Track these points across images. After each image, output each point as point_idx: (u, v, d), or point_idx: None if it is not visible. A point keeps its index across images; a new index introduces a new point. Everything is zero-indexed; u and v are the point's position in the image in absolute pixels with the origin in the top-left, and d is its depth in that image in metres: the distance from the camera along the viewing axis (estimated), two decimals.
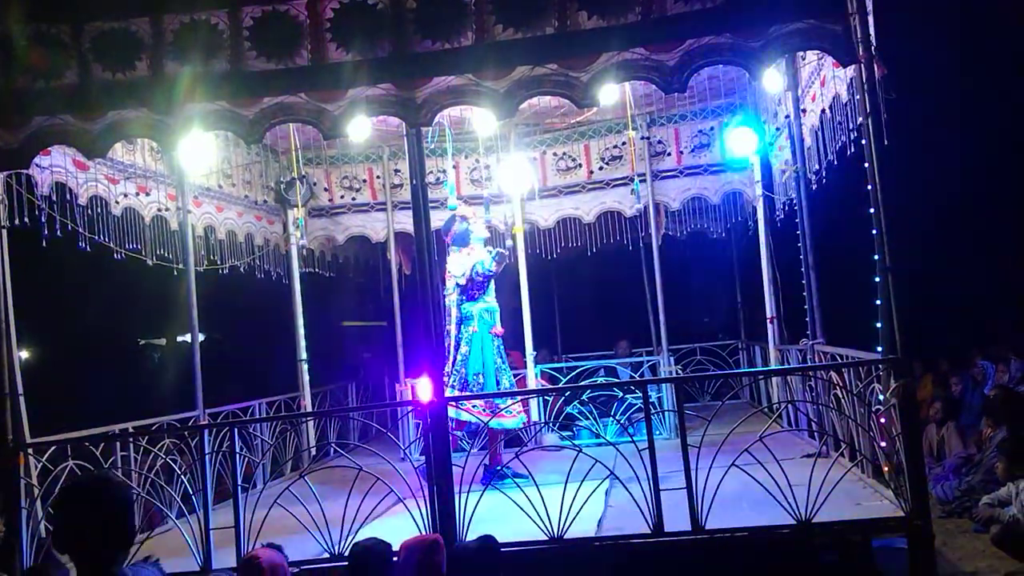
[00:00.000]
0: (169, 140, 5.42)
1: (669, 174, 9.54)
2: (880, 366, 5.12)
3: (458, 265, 7.13)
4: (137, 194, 7.04)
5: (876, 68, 4.99)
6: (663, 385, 8.24)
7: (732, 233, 10.79)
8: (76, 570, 2.52)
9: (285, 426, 8.19)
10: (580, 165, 9.66)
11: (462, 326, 7.04)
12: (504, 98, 5.20)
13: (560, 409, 8.21)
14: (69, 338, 12.06)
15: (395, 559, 4.33)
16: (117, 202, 6.76)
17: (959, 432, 8.71)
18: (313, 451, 8.07)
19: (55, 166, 6.09)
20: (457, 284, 7.12)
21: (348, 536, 5.05)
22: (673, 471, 5.12)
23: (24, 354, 12.39)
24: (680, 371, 9.76)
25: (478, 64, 5.11)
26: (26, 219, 5.75)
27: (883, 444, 5.11)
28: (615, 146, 9.53)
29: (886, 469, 5.12)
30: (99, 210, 6.52)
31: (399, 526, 5.11)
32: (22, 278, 5.67)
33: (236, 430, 5.65)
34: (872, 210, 5.06)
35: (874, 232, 5.04)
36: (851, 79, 5.43)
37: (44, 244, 5.89)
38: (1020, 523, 5.99)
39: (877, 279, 5.02)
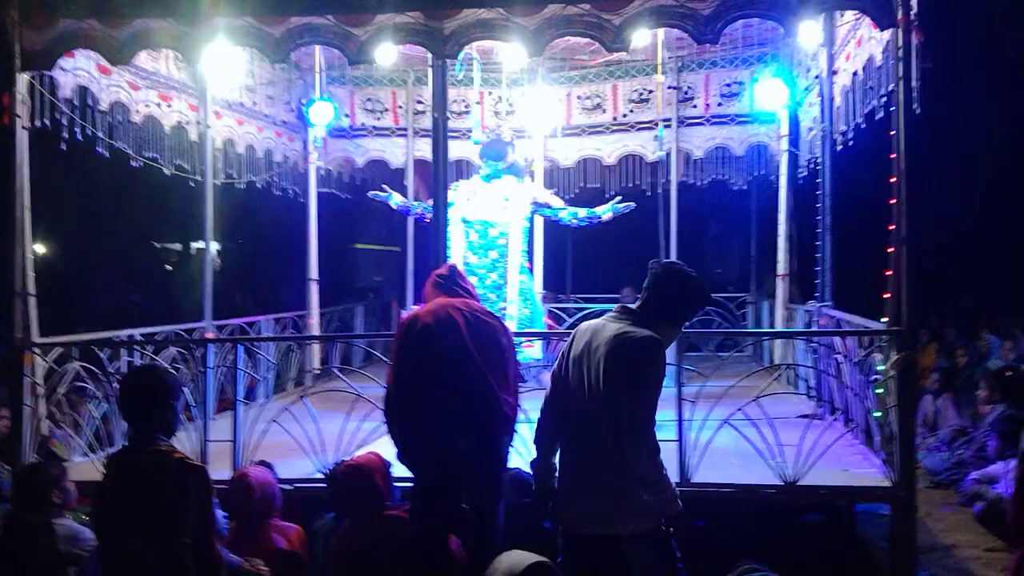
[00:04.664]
0: (193, 52, 5.38)
1: (695, 121, 9.43)
2: (883, 336, 5.13)
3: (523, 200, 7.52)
4: (159, 103, 7.02)
5: (914, 34, 4.88)
6: None
7: (753, 186, 10.68)
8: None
9: (290, 344, 8.29)
10: (606, 105, 9.54)
11: None
12: (534, 36, 5.13)
13: None
14: (85, 240, 12.15)
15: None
16: (138, 110, 6.75)
17: (955, 404, 8.73)
18: (316, 371, 8.18)
19: (78, 69, 6.05)
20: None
21: (343, 457, 5.15)
22: (667, 420, 5.17)
23: (40, 248, 12.51)
24: None
25: None
26: (47, 120, 5.75)
27: (877, 414, 5.15)
28: (643, 88, 9.39)
29: (877, 440, 5.16)
30: (120, 117, 6.52)
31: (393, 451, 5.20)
32: (41, 181, 5.69)
33: (241, 347, 5.74)
34: (894, 179, 5.01)
35: (893, 201, 5.00)
36: (887, 43, 5.31)
37: (64, 147, 5.91)
38: (1005, 502, 6.04)
39: (891, 249, 5.00)
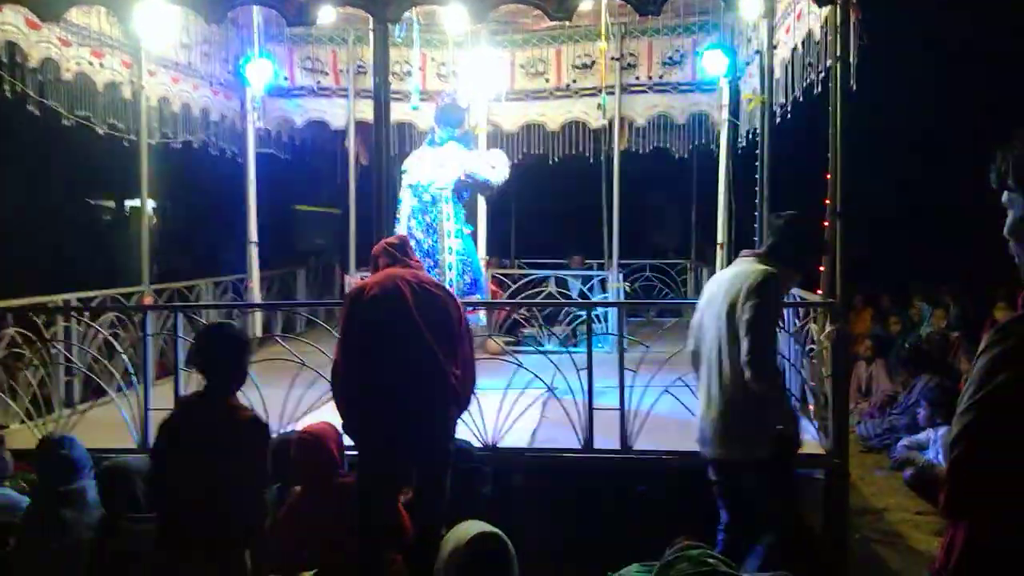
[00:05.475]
0: (126, 8, 5.26)
1: (638, 88, 9.41)
2: (817, 308, 5.27)
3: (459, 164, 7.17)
4: (91, 61, 6.79)
5: (852, 11, 4.97)
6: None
7: (694, 155, 10.78)
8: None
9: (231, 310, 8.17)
10: (550, 71, 9.49)
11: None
12: (477, 1, 5.10)
13: (508, 315, 8.32)
14: (16, 200, 11.74)
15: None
16: (69, 68, 6.53)
17: (887, 370, 9.02)
18: (259, 338, 8.06)
19: (6, 24, 5.84)
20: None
21: (289, 425, 5.14)
22: (609, 387, 5.26)
23: None
24: (628, 287, 9.88)
25: None
26: None
27: (812, 384, 5.30)
28: (587, 55, 9.36)
29: (812, 408, 5.32)
30: (50, 74, 6.31)
31: (336, 419, 5.18)
32: None
33: (180, 314, 5.65)
34: (829, 154, 5.11)
35: (828, 176, 5.11)
36: (826, 18, 5.39)
37: None
38: (934, 468, 6.30)
39: (826, 224, 5.11)
